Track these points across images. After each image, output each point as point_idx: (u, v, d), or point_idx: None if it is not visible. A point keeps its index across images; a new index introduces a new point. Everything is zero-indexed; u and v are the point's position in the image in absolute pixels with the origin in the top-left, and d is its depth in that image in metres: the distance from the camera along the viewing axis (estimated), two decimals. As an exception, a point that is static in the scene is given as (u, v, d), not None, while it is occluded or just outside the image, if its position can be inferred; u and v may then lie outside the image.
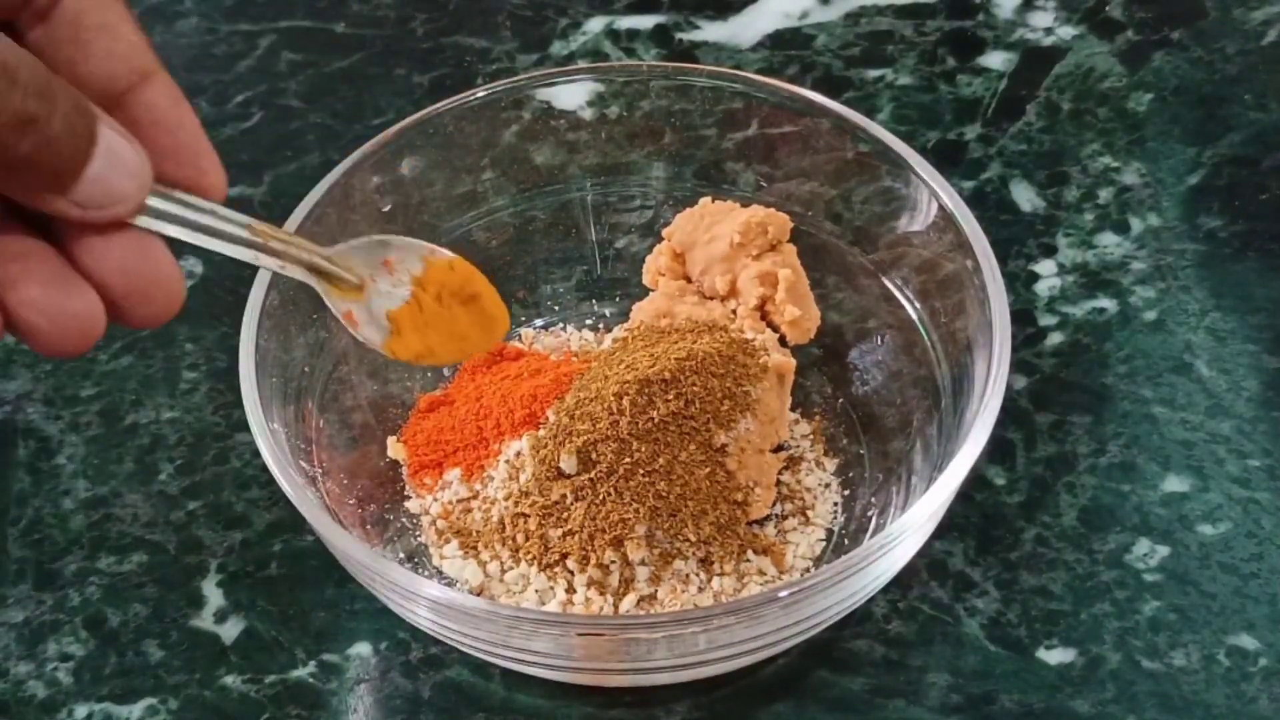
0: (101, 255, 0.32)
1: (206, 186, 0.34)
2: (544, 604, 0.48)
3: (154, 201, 0.33)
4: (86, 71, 0.32)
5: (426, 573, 0.50)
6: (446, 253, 0.42)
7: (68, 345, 0.32)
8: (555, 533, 0.48)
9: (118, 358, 0.60)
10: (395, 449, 0.54)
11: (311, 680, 0.49)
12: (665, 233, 0.56)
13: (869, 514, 0.51)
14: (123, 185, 0.32)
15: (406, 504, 0.53)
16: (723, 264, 0.54)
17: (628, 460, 0.48)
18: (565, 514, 0.48)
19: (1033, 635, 0.50)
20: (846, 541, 0.51)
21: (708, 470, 0.49)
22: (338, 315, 0.40)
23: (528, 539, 0.49)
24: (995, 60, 0.72)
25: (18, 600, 0.52)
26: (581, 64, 0.72)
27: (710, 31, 0.74)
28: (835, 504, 0.53)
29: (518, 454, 0.51)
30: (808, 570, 0.50)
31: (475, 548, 0.50)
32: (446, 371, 0.57)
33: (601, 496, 0.48)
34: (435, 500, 0.52)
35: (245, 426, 0.46)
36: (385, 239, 0.41)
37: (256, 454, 0.46)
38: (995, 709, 0.48)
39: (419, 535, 0.52)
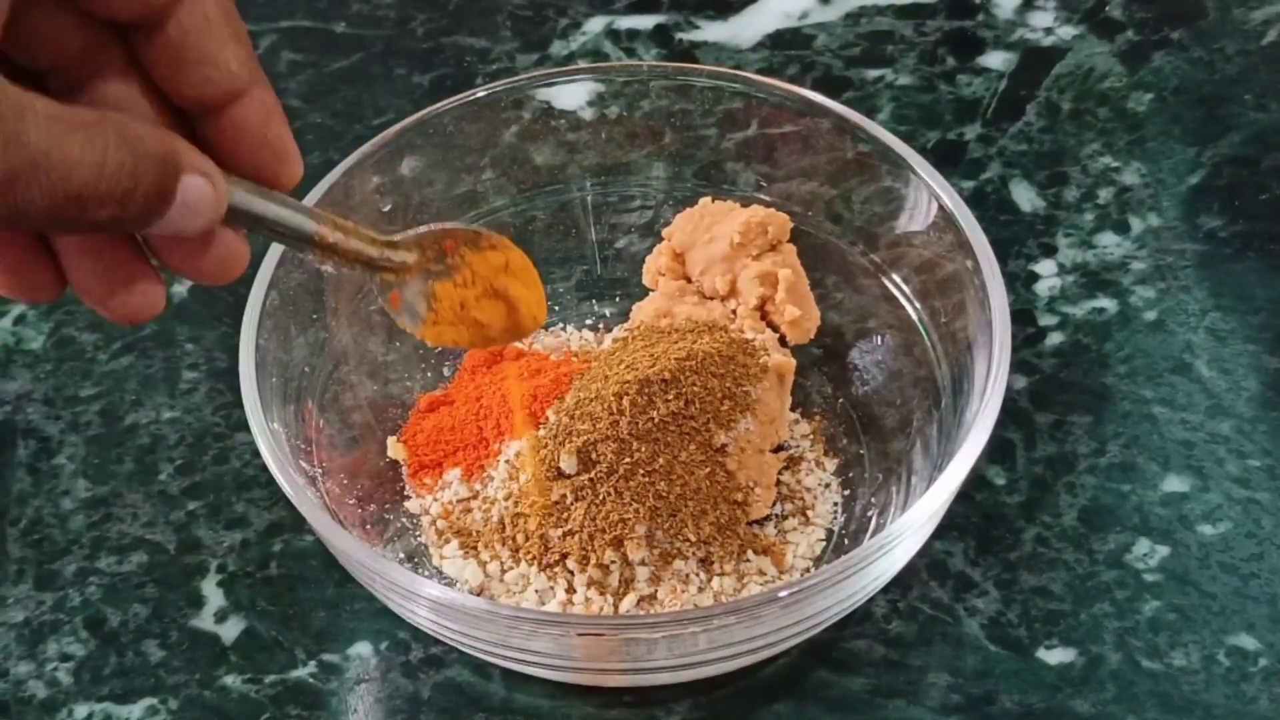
0: (169, 246, 0.34)
1: (277, 187, 0.35)
2: (544, 604, 0.48)
3: (234, 198, 0.34)
4: (181, 94, 0.33)
5: (426, 573, 0.50)
6: (506, 244, 0.43)
7: (128, 321, 0.34)
8: (555, 533, 0.48)
9: (118, 358, 0.60)
10: (395, 449, 0.54)
11: (311, 680, 0.49)
12: (665, 233, 0.56)
13: (869, 514, 0.51)
14: (192, 225, 0.33)
15: (406, 504, 0.53)
16: (723, 264, 0.54)
17: (628, 460, 0.48)
18: (565, 514, 0.48)
19: (1033, 635, 0.50)
20: (846, 541, 0.51)
21: (708, 470, 0.49)
22: (382, 300, 0.40)
23: (528, 539, 0.49)
24: (995, 60, 0.72)
25: (18, 600, 0.52)
26: (581, 64, 0.72)
27: (710, 31, 0.74)
28: (835, 504, 0.53)
29: (518, 454, 0.51)
30: (808, 570, 0.50)
31: (475, 548, 0.50)
32: (446, 371, 0.57)
33: (601, 496, 0.48)
34: (435, 500, 0.52)
35: (245, 426, 0.46)
36: (447, 226, 0.41)
37: (256, 454, 0.46)
38: (995, 709, 0.48)
39: (419, 535, 0.52)
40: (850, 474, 0.53)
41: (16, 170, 0.28)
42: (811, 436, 0.54)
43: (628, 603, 0.48)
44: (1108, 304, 0.60)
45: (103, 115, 0.30)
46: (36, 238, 0.33)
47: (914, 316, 0.53)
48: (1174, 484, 0.54)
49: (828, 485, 0.53)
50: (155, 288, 0.34)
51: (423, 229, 0.41)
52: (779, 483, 0.52)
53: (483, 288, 0.43)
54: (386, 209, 0.55)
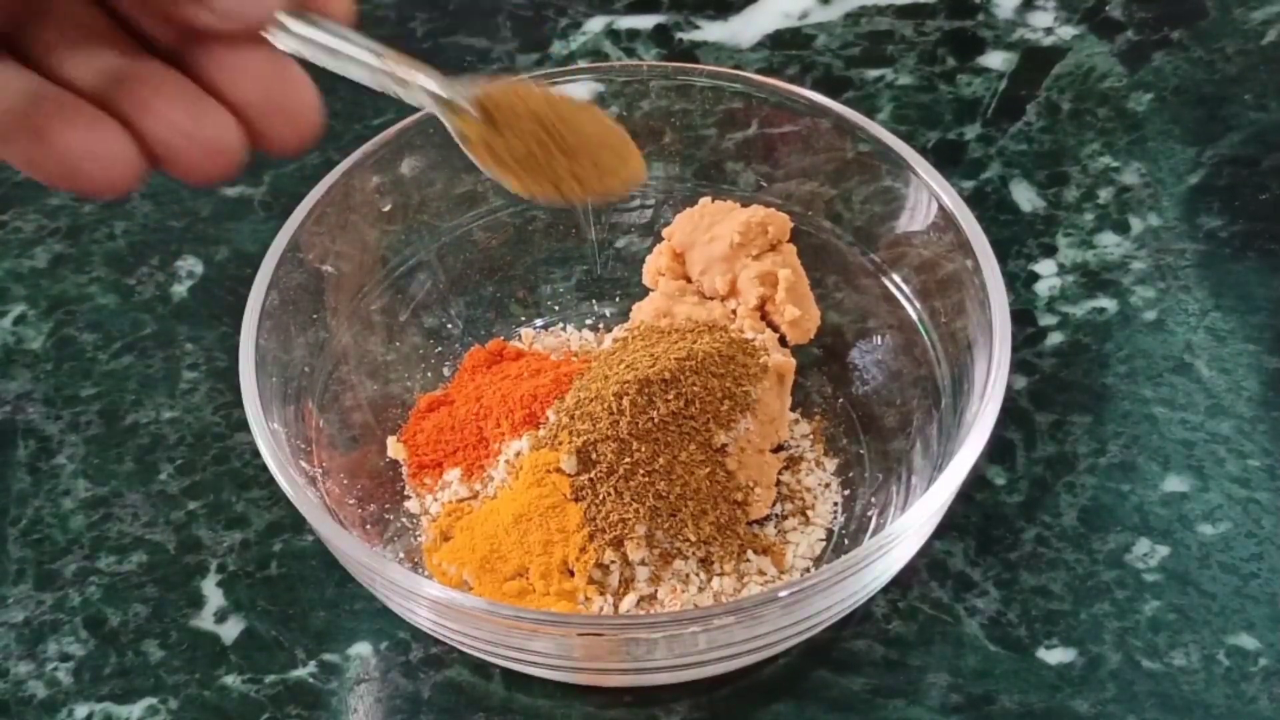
0: (239, 73, 0.32)
1: (333, 8, 0.34)
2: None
3: (288, 22, 0.32)
4: None
5: (426, 573, 0.50)
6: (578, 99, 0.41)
7: (210, 168, 0.32)
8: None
9: (118, 358, 0.60)
10: (395, 449, 0.54)
11: (311, 680, 0.50)
12: (665, 233, 0.56)
13: (869, 514, 0.51)
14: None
15: (406, 504, 0.53)
16: (723, 264, 0.54)
17: (628, 460, 0.48)
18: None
19: (1033, 635, 0.50)
20: (846, 541, 0.51)
21: (708, 470, 0.49)
22: (463, 146, 0.39)
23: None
24: (995, 60, 0.72)
25: (18, 600, 0.52)
26: (581, 64, 0.72)
27: (710, 31, 0.74)
28: (835, 504, 0.53)
29: (518, 454, 0.51)
30: (808, 570, 0.50)
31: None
32: (446, 371, 0.57)
33: (601, 496, 0.48)
34: (435, 500, 0.52)
35: (245, 426, 0.46)
36: (516, 81, 0.40)
37: (256, 454, 0.46)
38: (995, 709, 0.48)
39: (419, 535, 0.52)
40: (850, 474, 0.53)
41: None
42: (811, 436, 0.54)
43: (628, 603, 0.48)
44: (1108, 304, 0.60)
45: None
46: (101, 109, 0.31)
47: (914, 316, 0.53)
48: (1174, 484, 0.54)
49: (828, 485, 0.53)
50: (231, 122, 0.32)
51: (480, 84, 0.39)
52: (779, 483, 0.52)
53: (558, 132, 0.41)
54: (386, 209, 0.55)
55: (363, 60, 0.35)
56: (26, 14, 0.32)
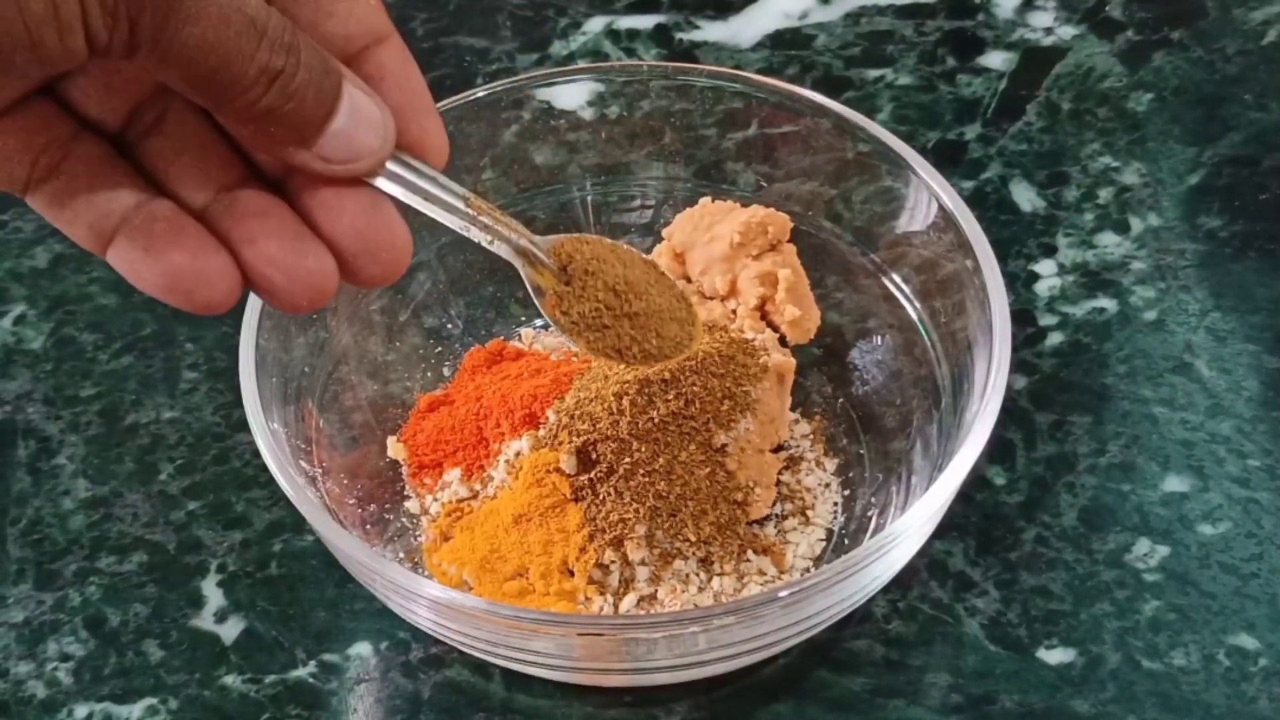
0: (337, 214, 0.33)
1: (430, 149, 0.35)
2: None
3: (389, 165, 0.33)
4: (326, 32, 0.33)
5: (426, 573, 0.50)
6: (638, 255, 0.43)
7: (301, 301, 0.33)
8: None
9: (118, 357, 0.60)
10: (395, 449, 0.54)
11: (311, 680, 0.50)
12: (665, 233, 0.56)
13: (869, 514, 0.51)
14: (367, 140, 0.32)
15: (406, 504, 0.53)
16: (723, 264, 0.54)
17: (628, 460, 0.48)
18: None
19: (1033, 635, 0.50)
20: (846, 541, 0.51)
21: (708, 470, 0.49)
22: (535, 299, 0.41)
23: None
24: (995, 60, 0.72)
25: (18, 600, 0.52)
26: (581, 64, 0.72)
27: (710, 31, 0.74)
28: (835, 504, 0.53)
29: (518, 454, 0.51)
30: (808, 570, 0.50)
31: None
32: (446, 371, 0.57)
33: (601, 496, 0.48)
34: (435, 500, 0.52)
35: (245, 426, 0.46)
36: (589, 237, 0.42)
37: (256, 454, 0.46)
38: (995, 709, 0.48)
39: (419, 535, 0.52)
40: (850, 474, 0.53)
41: None
42: (811, 436, 0.54)
43: (628, 603, 0.48)
44: (1108, 304, 0.60)
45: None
46: (206, 229, 0.32)
47: (914, 316, 0.53)
48: (1174, 484, 0.54)
49: (828, 485, 0.53)
50: (328, 257, 0.33)
51: (555, 238, 0.41)
52: (779, 483, 0.52)
53: (617, 304, 0.43)
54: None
55: (451, 204, 0.36)
56: (143, 120, 0.33)
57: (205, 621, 0.51)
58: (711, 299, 0.55)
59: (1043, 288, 0.61)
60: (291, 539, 0.53)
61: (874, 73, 0.71)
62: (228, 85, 0.30)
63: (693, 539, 0.48)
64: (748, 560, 0.50)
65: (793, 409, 0.54)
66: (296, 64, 0.30)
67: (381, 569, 0.42)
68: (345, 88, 0.32)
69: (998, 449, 0.55)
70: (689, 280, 0.56)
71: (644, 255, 0.44)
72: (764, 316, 0.54)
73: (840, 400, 0.55)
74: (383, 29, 0.34)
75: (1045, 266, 0.62)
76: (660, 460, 0.48)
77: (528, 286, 0.40)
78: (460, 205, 0.36)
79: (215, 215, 0.33)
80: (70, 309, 0.62)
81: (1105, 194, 0.65)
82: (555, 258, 0.41)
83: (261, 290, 0.33)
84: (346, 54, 0.33)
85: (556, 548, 0.48)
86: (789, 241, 0.55)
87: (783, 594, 0.41)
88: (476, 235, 0.37)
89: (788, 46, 0.73)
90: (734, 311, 0.54)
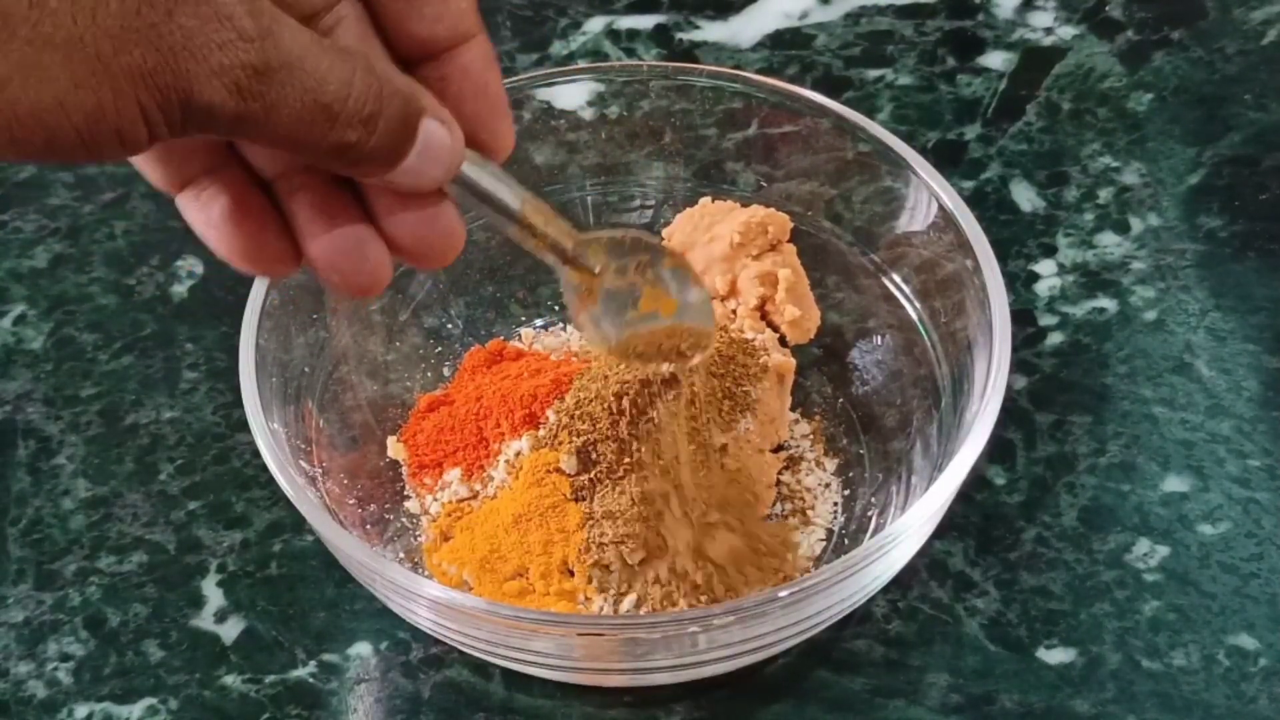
0: (398, 216, 0.34)
1: (498, 152, 0.36)
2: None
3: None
4: (412, 30, 0.33)
5: (426, 573, 0.50)
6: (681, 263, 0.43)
7: (356, 293, 0.35)
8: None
9: (118, 357, 0.60)
10: (395, 449, 0.54)
11: (311, 680, 0.49)
12: (665, 233, 0.56)
13: (869, 514, 0.51)
14: (434, 172, 0.33)
15: (406, 504, 0.53)
16: (723, 264, 0.54)
17: (628, 460, 0.48)
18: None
19: (1033, 635, 0.50)
20: (846, 541, 0.51)
21: (707, 470, 0.49)
22: (569, 301, 0.41)
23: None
24: (995, 60, 0.72)
25: (18, 600, 0.52)
26: (581, 64, 0.72)
27: (710, 31, 0.74)
28: (835, 504, 0.52)
29: (518, 454, 0.51)
30: (808, 570, 0.50)
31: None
32: (446, 371, 0.57)
33: (601, 497, 0.48)
34: (435, 500, 0.52)
35: (245, 426, 0.46)
36: (642, 237, 0.42)
37: (256, 454, 0.46)
38: (995, 709, 0.48)
39: (419, 535, 0.52)
40: (850, 474, 0.53)
41: (274, 65, 0.28)
42: (811, 436, 0.54)
43: (628, 603, 0.48)
44: (1108, 304, 0.60)
45: (349, 46, 0.31)
46: (272, 207, 0.34)
47: (914, 316, 0.53)
48: (1174, 484, 0.54)
49: (828, 485, 0.53)
50: (385, 252, 0.34)
51: (616, 232, 0.41)
52: (779, 483, 0.52)
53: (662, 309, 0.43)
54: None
55: (508, 208, 0.36)
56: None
57: (205, 621, 0.51)
58: (712, 299, 0.55)
59: (1043, 288, 0.61)
60: (291, 539, 0.53)
61: (874, 73, 0.71)
62: (300, 155, 0.31)
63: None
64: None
65: (793, 409, 0.54)
66: (372, 132, 0.31)
67: (381, 569, 0.42)
68: (421, 125, 0.32)
69: (998, 449, 0.55)
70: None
71: (677, 253, 0.44)
72: (764, 316, 0.54)
73: (840, 400, 0.55)
74: (470, 29, 0.34)
75: (1045, 266, 0.62)
76: (661, 460, 0.48)
77: (564, 290, 0.40)
78: (515, 207, 0.36)
79: (283, 193, 0.34)
80: (70, 309, 0.62)
81: (1105, 194, 0.65)
82: (600, 256, 0.41)
83: (320, 278, 0.35)
84: (429, 52, 0.34)
85: (556, 548, 0.48)
86: (789, 241, 0.55)
87: (783, 594, 0.41)
88: (526, 243, 0.38)
89: (788, 46, 0.73)
90: (734, 311, 0.54)
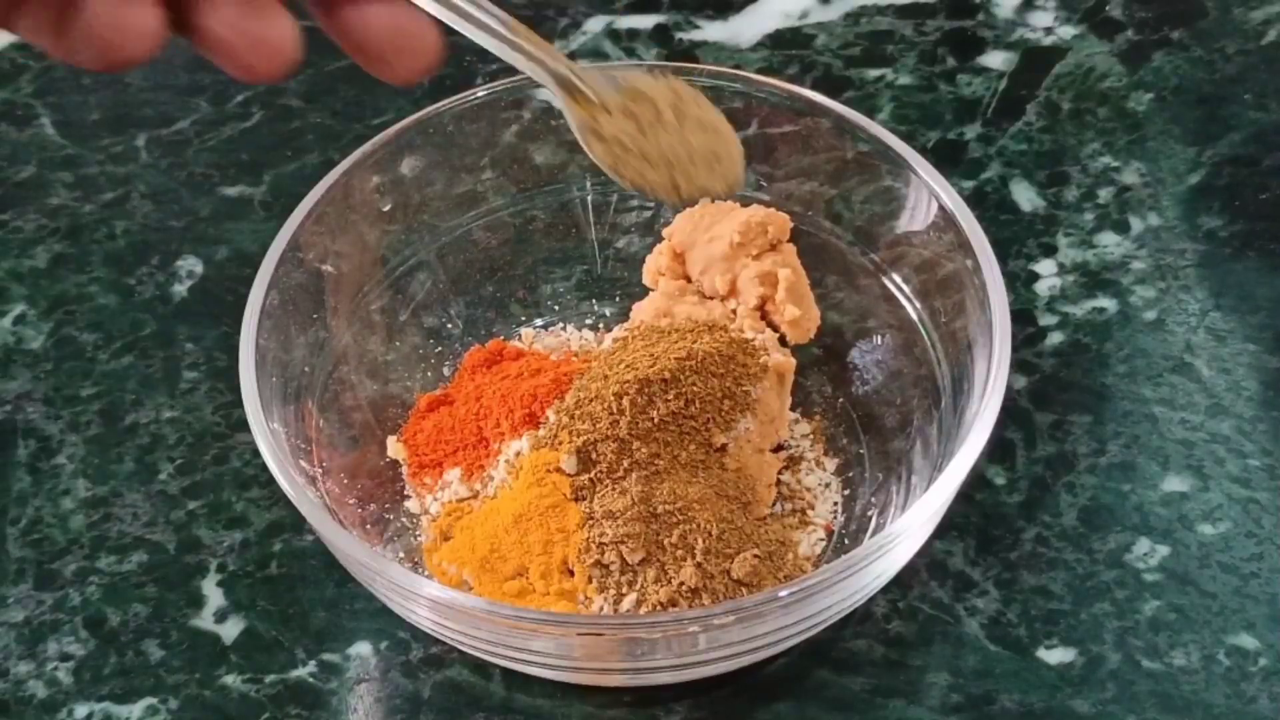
0: (361, 19, 0.32)
1: None
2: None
3: None
4: None
5: (426, 573, 0.50)
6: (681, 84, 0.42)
7: (258, 76, 0.31)
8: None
9: (118, 357, 0.60)
10: (395, 449, 0.54)
11: (311, 680, 0.50)
12: (665, 232, 0.56)
13: (869, 514, 0.51)
14: None
15: (406, 504, 0.53)
16: (723, 264, 0.54)
17: (628, 460, 0.48)
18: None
19: (1033, 635, 0.50)
20: (846, 541, 0.51)
21: (709, 470, 0.49)
22: (575, 129, 0.40)
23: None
24: (995, 60, 0.72)
25: (18, 600, 0.52)
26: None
27: (710, 31, 0.74)
28: (835, 504, 0.52)
29: (517, 454, 0.51)
30: (807, 570, 0.50)
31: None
32: (446, 371, 0.57)
33: (601, 496, 0.48)
34: (435, 500, 0.52)
35: (245, 426, 0.46)
36: (628, 68, 0.41)
37: (256, 454, 0.46)
38: (995, 709, 0.48)
39: (419, 535, 0.52)
40: (850, 474, 0.53)
41: None
42: (811, 436, 0.54)
43: (628, 603, 0.48)
44: (1108, 304, 0.60)
45: None
46: None
47: (914, 316, 0.53)
48: (1174, 484, 0.54)
49: (828, 485, 0.53)
50: (289, 24, 0.31)
51: (606, 65, 0.40)
52: (779, 483, 0.52)
53: (661, 114, 0.42)
54: (386, 209, 0.55)
55: (493, 28, 0.35)
56: None
57: (205, 621, 0.51)
58: (711, 299, 0.55)
59: (1043, 287, 0.61)
60: (291, 539, 0.53)
61: (874, 73, 0.71)
62: None
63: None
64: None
65: (793, 409, 0.54)
66: None
67: (381, 569, 0.42)
68: None
69: (998, 449, 0.55)
70: (689, 280, 0.56)
71: (700, 98, 0.43)
72: (764, 316, 0.54)
73: (840, 400, 0.55)
74: None
75: (1045, 266, 0.62)
76: (660, 460, 0.48)
77: (568, 120, 0.40)
78: (503, 30, 0.35)
79: None
80: (70, 309, 0.62)
81: (1105, 194, 0.65)
82: (598, 88, 0.40)
83: (216, 56, 0.31)
84: None
85: (556, 548, 0.48)
86: (789, 241, 0.55)
87: (783, 594, 0.41)
88: (515, 60, 0.36)
89: (788, 46, 0.73)
90: (734, 311, 0.54)
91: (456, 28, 0.34)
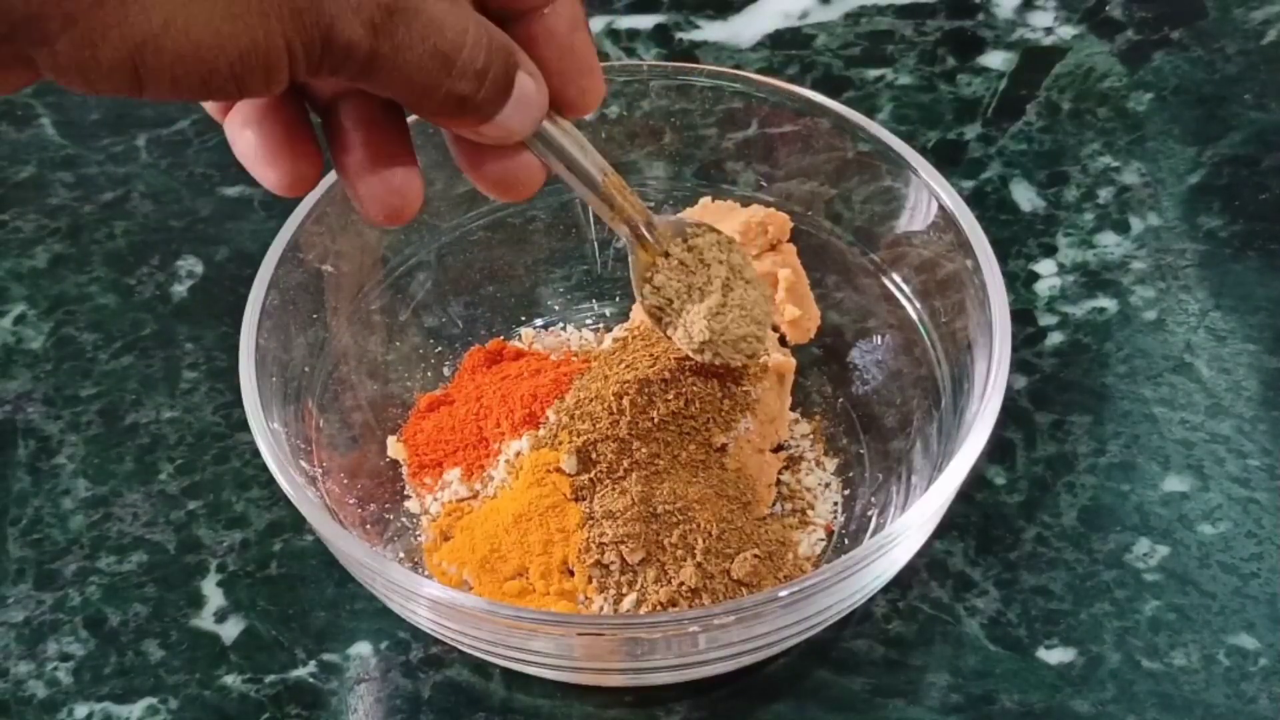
0: (478, 164, 0.36)
1: (586, 104, 0.37)
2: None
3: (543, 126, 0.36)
4: None
5: (426, 572, 0.50)
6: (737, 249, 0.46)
7: (385, 218, 0.36)
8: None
9: (118, 357, 0.60)
10: (395, 449, 0.54)
11: (311, 680, 0.50)
12: (665, 233, 0.56)
13: (869, 514, 0.51)
14: (521, 124, 0.34)
15: (406, 504, 0.53)
16: (723, 264, 0.54)
17: (628, 460, 0.48)
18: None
19: (1033, 635, 0.50)
20: (846, 541, 0.51)
21: (708, 470, 0.49)
22: (633, 273, 0.44)
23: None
24: (995, 60, 0.72)
25: (18, 600, 0.52)
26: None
27: (710, 31, 0.74)
28: (835, 504, 0.52)
29: (518, 454, 0.51)
30: (807, 570, 0.50)
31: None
32: (446, 371, 0.57)
33: (601, 496, 0.48)
34: (435, 500, 0.52)
35: (245, 426, 0.46)
36: (698, 224, 0.45)
37: (256, 454, 0.46)
38: (995, 709, 0.48)
39: (419, 535, 0.52)
40: (850, 474, 0.53)
41: (401, 4, 0.29)
42: (811, 436, 0.54)
43: (628, 603, 0.48)
44: (1108, 304, 0.60)
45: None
46: (303, 117, 0.34)
47: (914, 316, 0.53)
48: (1174, 484, 0.54)
49: (828, 485, 0.53)
50: (417, 176, 0.35)
51: (683, 218, 0.44)
52: (779, 483, 0.52)
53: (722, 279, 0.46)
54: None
55: (592, 178, 0.39)
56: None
57: (205, 621, 0.51)
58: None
59: (1043, 287, 0.61)
60: (291, 539, 0.53)
61: (874, 73, 0.71)
62: (415, 104, 0.32)
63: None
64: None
65: (793, 409, 0.54)
66: (483, 84, 0.32)
67: (381, 569, 0.42)
68: (516, 78, 0.33)
69: (998, 449, 0.55)
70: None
71: (745, 256, 0.46)
72: (764, 316, 0.54)
73: (840, 400, 0.55)
74: None
75: (1045, 266, 0.62)
76: (660, 460, 0.48)
77: (630, 268, 0.44)
78: (596, 178, 0.39)
79: (336, 125, 0.35)
80: (70, 309, 0.62)
81: (1105, 194, 0.65)
82: (668, 239, 0.44)
83: (360, 210, 0.36)
84: (515, 11, 0.34)
85: (556, 548, 0.48)
86: (789, 241, 0.55)
87: (783, 594, 0.41)
88: (600, 210, 0.40)
89: (788, 46, 0.73)
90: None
91: (557, 171, 0.38)
